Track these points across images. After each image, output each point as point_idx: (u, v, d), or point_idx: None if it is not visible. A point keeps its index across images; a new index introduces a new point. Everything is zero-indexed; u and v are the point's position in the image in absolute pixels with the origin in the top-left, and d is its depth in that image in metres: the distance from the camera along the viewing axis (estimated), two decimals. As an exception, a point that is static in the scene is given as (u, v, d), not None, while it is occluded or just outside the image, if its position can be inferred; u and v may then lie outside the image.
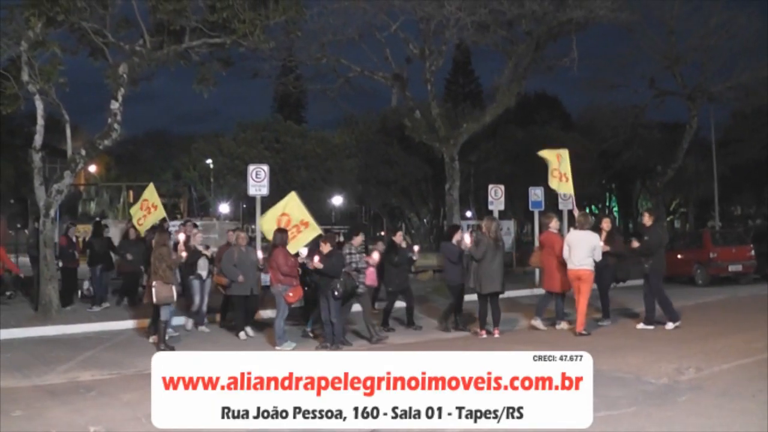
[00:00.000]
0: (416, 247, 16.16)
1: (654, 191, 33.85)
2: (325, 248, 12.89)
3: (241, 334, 13.79)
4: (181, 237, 13.71)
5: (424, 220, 35.82)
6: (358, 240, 13.86)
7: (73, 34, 17.43)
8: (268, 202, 22.79)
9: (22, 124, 31.40)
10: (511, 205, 28.11)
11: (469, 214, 33.36)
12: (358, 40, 23.74)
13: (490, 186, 23.25)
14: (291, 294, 12.64)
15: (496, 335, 13.38)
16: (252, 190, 18.58)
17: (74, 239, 18.83)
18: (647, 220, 14.38)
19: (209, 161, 35.22)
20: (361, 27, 23.32)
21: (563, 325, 14.08)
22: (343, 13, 22.57)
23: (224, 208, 43.04)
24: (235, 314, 14.38)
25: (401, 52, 24.17)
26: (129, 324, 15.51)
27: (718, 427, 7.18)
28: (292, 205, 14.23)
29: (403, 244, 15.43)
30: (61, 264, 17.48)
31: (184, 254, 13.27)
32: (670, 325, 13.51)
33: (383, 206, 34.40)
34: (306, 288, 13.49)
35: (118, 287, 18.47)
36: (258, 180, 18.54)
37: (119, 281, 18.69)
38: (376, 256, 14.05)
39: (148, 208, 16.55)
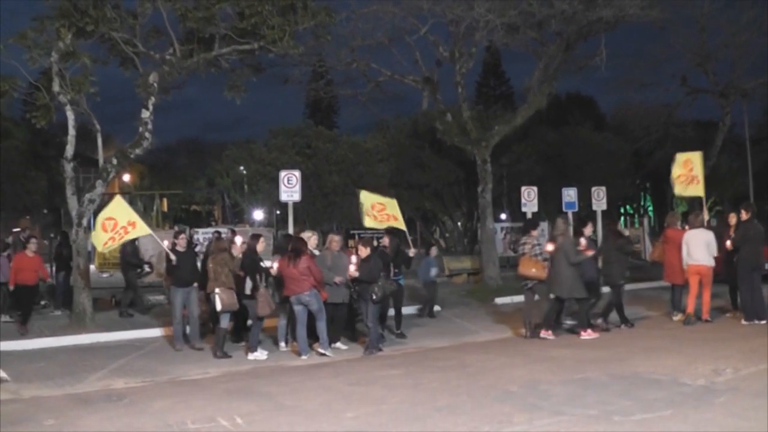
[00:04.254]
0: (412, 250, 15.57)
1: (688, 190, 33.45)
2: (364, 252, 12.86)
3: (339, 345, 13.17)
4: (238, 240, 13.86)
5: (458, 224, 35.68)
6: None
7: (104, 45, 17.62)
8: (300, 207, 23.00)
9: (56, 134, 31.75)
10: (544, 206, 27.97)
11: (503, 216, 33.25)
12: (387, 44, 23.76)
13: (523, 188, 23.22)
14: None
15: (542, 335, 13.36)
16: (284, 196, 18.65)
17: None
18: (744, 215, 14.53)
19: (242, 168, 35.38)
20: (391, 31, 23.35)
21: (679, 317, 14.73)
22: (372, 17, 22.60)
23: (258, 214, 43.22)
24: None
25: (431, 55, 24.17)
26: (162, 332, 15.60)
27: (755, 429, 7.09)
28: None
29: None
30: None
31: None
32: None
33: (416, 210, 34.31)
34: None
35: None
36: (290, 186, 18.59)
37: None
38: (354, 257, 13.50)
39: (124, 228, 14.14)
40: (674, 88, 32.78)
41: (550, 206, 29.09)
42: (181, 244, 13.99)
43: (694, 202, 33.10)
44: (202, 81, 19.90)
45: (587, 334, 13.18)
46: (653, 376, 9.53)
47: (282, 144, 29.52)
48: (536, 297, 13.81)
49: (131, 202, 58.63)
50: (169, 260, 13.85)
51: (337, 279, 13.00)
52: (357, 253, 13.11)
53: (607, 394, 8.62)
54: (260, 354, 12.47)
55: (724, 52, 30.14)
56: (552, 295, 13.54)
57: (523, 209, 23.06)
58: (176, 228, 19.32)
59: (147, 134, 16.91)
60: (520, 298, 19.07)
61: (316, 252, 13.60)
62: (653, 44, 32.10)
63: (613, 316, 14.44)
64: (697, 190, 16.55)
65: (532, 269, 13.46)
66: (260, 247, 13.18)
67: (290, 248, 12.76)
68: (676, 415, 7.62)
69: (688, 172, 16.71)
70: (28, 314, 16.14)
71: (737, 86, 30.49)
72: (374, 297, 12.52)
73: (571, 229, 14.37)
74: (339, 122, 69.50)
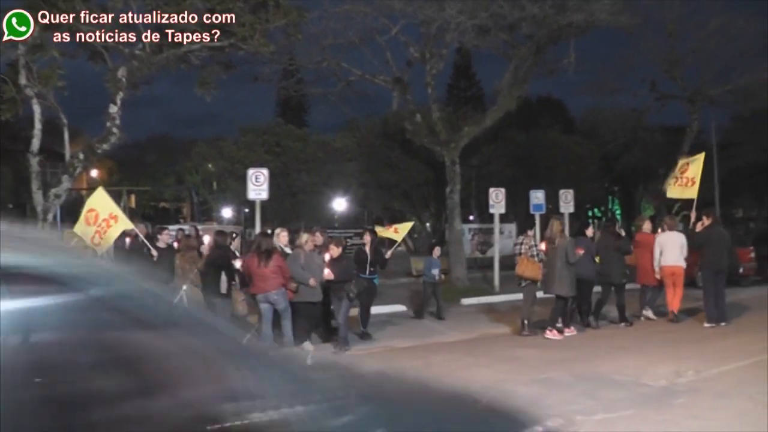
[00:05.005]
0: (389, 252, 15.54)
1: (655, 194, 33.85)
2: (335, 252, 12.82)
3: (306, 345, 12.65)
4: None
5: (426, 224, 35.76)
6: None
7: (72, 37, 17.42)
8: (268, 206, 22.94)
9: (22, 128, 31.41)
10: (512, 208, 28.10)
11: (471, 217, 33.35)
12: (359, 44, 23.73)
13: (492, 189, 23.27)
14: None
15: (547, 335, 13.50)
16: (252, 194, 18.51)
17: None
18: (705, 221, 14.94)
19: (210, 165, 35.23)
20: (362, 30, 23.30)
21: (649, 312, 15.47)
22: (343, 17, 22.54)
23: (226, 212, 43.01)
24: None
25: (402, 55, 24.21)
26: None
27: (714, 429, 7.18)
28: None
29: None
30: None
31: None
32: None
33: (385, 210, 34.34)
34: None
35: None
36: (258, 184, 18.44)
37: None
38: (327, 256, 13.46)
39: (106, 221, 13.47)
40: (643, 94, 33.21)
41: (519, 208, 29.23)
42: (164, 239, 13.65)
43: (662, 207, 33.65)
44: (172, 77, 19.74)
45: (552, 335, 13.34)
46: (616, 376, 9.63)
47: (251, 142, 29.43)
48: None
49: (99, 198, 58.03)
50: (149, 256, 13.40)
51: (312, 281, 12.46)
52: (329, 253, 13.06)
53: (570, 394, 8.70)
54: None
55: (692, 58, 30.51)
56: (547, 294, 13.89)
57: (491, 211, 23.12)
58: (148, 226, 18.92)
59: (115, 129, 16.79)
60: (486, 299, 19.26)
61: (288, 250, 13.51)
62: (623, 50, 32.53)
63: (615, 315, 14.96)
64: (692, 192, 16.55)
65: (528, 270, 13.73)
66: (283, 240, 13.27)
67: (262, 247, 12.59)
68: (637, 415, 7.71)
69: (680, 176, 16.88)
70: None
71: (705, 93, 30.86)
72: (350, 295, 12.55)
73: (567, 230, 14.56)
74: (309, 121, 68.97)
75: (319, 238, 13.89)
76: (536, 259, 13.83)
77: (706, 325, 14.07)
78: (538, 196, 24.05)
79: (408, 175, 30.04)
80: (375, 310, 15.39)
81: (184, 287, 12.42)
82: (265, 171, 18.77)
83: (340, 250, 12.91)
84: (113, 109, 16.71)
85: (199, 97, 18.89)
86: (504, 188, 23.50)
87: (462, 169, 24.08)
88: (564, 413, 7.78)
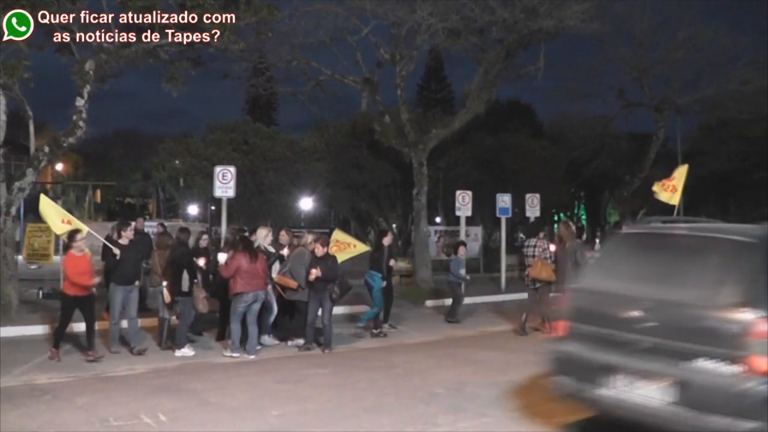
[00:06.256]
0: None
1: (621, 200, 34.22)
2: (320, 251, 12.76)
3: (267, 339, 13.22)
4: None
5: (393, 226, 35.79)
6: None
7: (40, 29, 17.12)
8: (235, 204, 22.81)
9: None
10: (479, 211, 28.21)
11: (438, 219, 33.42)
12: (329, 44, 23.66)
13: (458, 192, 23.33)
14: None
15: None
16: (218, 192, 18.41)
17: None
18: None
19: (177, 162, 34.94)
20: (333, 30, 23.24)
21: None
22: (314, 16, 22.48)
23: (192, 209, 42.78)
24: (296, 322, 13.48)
25: (372, 56, 24.17)
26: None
27: None
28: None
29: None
30: None
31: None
32: None
33: (352, 210, 34.30)
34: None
35: None
36: (225, 181, 18.35)
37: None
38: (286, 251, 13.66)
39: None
40: (611, 101, 33.51)
41: (485, 211, 29.36)
42: (128, 235, 12.86)
43: (626, 213, 34.04)
44: (140, 71, 19.52)
45: None
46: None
47: (219, 139, 29.24)
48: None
49: (64, 192, 57.50)
50: (111, 254, 12.69)
51: (313, 273, 12.58)
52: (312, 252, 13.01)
53: (531, 397, 8.74)
54: (188, 351, 12.30)
55: (660, 67, 30.83)
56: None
57: (458, 213, 23.19)
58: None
59: (81, 123, 16.55)
60: (450, 301, 19.20)
61: (271, 249, 13.47)
62: (593, 57, 32.86)
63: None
64: (675, 198, 17.28)
65: (543, 272, 14.19)
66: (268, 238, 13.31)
67: (243, 245, 12.48)
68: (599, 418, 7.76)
69: (668, 182, 17.55)
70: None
71: (672, 101, 31.19)
72: (333, 296, 12.60)
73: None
74: (278, 120, 69.01)
75: (284, 237, 13.93)
76: (549, 261, 14.38)
77: None
78: (504, 200, 24.16)
79: (375, 176, 30.02)
80: (337, 310, 15.36)
81: (164, 283, 12.37)
82: (232, 169, 18.68)
83: (325, 249, 12.86)
84: (80, 102, 16.49)
85: (167, 92, 18.73)
86: (471, 191, 23.57)
87: (429, 171, 24.11)
88: (524, 415, 7.82)
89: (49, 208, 13.09)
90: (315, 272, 12.48)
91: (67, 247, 12.29)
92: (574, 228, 14.95)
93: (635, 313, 6.32)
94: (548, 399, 8.52)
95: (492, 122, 33.45)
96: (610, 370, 6.36)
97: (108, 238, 13.68)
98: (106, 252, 13.39)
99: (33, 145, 16.82)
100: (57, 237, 18.18)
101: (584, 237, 15.97)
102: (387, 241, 15.13)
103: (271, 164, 28.63)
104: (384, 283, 14.61)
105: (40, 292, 18.48)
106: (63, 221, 12.83)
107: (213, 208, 32.50)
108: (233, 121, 32.18)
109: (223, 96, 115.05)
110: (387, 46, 23.58)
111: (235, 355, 12.03)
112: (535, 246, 14.67)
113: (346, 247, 15.48)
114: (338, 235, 16.19)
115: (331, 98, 27.42)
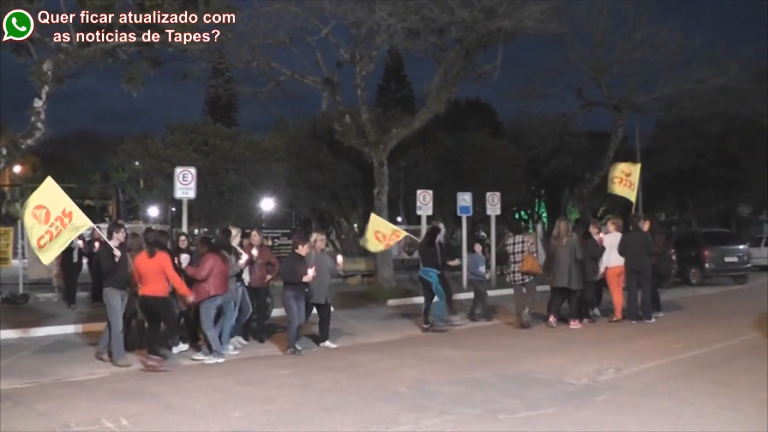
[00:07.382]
0: (339, 257, 14.56)
1: (581, 198, 34.52)
2: (303, 251, 12.61)
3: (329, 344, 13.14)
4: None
5: (354, 225, 35.78)
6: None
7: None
8: (196, 205, 22.67)
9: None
10: (440, 210, 28.30)
11: (399, 219, 33.46)
12: (289, 44, 23.60)
13: (419, 191, 23.38)
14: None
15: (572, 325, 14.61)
16: (179, 193, 18.31)
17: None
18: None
19: (137, 163, 34.58)
20: (292, 30, 23.18)
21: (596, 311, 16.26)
22: (274, 16, 22.35)
23: (153, 211, 42.42)
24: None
25: (332, 56, 24.16)
26: (52, 330, 15.16)
27: (633, 425, 7.34)
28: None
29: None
30: None
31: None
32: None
33: (313, 210, 34.24)
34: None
35: None
36: (185, 183, 18.24)
37: None
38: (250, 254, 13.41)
39: (60, 219, 11.14)
40: (570, 100, 33.79)
41: (446, 210, 29.47)
42: (119, 237, 11.84)
43: (586, 210, 34.41)
44: (98, 71, 19.34)
45: (575, 325, 14.57)
46: (540, 375, 9.77)
47: (179, 140, 28.96)
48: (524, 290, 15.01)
49: (22, 195, 56.80)
50: (111, 256, 11.53)
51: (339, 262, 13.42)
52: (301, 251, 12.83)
53: (494, 394, 8.80)
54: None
55: (618, 67, 31.18)
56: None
57: (419, 212, 23.23)
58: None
59: (39, 124, 16.38)
60: (412, 300, 19.26)
61: (240, 249, 13.22)
62: (551, 57, 33.06)
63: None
64: (632, 195, 18.08)
65: (534, 267, 14.84)
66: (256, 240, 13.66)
67: (226, 247, 12.38)
68: (559, 412, 7.83)
69: (625, 177, 18.34)
70: None
71: (630, 100, 31.58)
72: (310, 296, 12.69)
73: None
74: (238, 120, 68.41)
75: (256, 238, 13.84)
76: (534, 255, 15.14)
77: (633, 322, 14.94)
78: (465, 198, 24.29)
79: (336, 175, 30.04)
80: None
81: None
82: (192, 170, 18.59)
83: (306, 248, 12.69)
84: (38, 103, 16.33)
85: (126, 92, 18.59)
86: (431, 190, 23.64)
87: (390, 171, 24.18)
88: (487, 412, 7.87)
89: (52, 194, 11.27)
90: (312, 273, 12.29)
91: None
92: (568, 224, 15.34)
93: None
94: (511, 396, 8.63)
95: (452, 122, 33.61)
96: None
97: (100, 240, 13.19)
98: (64, 258, 13.01)
99: (-10, 148, 16.61)
100: (15, 240, 17.95)
101: (540, 232, 16.33)
102: (440, 236, 15.56)
103: (232, 165, 28.46)
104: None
105: None
106: (64, 213, 11.13)
107: (174, 209, 32.22)
108: (193, 121, 31.87)
109: (182, 96, 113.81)
110: (347, 46, 23.63)
111: (220, 361, 11.60)
112: (522, 242, 15.08)
113: (395, 237, 16.06)
114: (377, 224, 16.21)
115: (292, 99, 27.41)
